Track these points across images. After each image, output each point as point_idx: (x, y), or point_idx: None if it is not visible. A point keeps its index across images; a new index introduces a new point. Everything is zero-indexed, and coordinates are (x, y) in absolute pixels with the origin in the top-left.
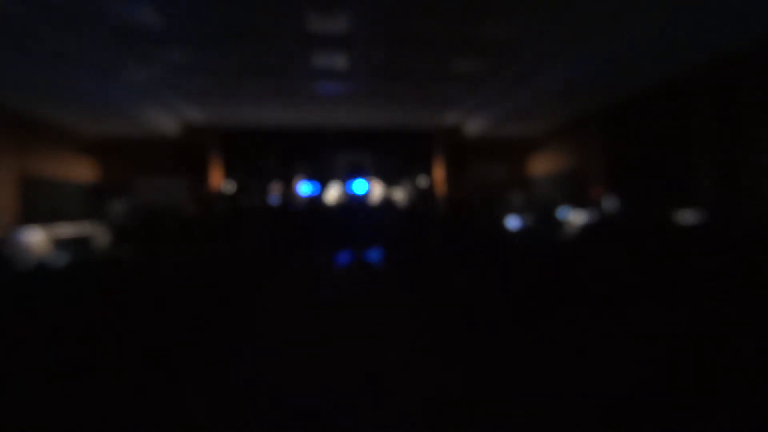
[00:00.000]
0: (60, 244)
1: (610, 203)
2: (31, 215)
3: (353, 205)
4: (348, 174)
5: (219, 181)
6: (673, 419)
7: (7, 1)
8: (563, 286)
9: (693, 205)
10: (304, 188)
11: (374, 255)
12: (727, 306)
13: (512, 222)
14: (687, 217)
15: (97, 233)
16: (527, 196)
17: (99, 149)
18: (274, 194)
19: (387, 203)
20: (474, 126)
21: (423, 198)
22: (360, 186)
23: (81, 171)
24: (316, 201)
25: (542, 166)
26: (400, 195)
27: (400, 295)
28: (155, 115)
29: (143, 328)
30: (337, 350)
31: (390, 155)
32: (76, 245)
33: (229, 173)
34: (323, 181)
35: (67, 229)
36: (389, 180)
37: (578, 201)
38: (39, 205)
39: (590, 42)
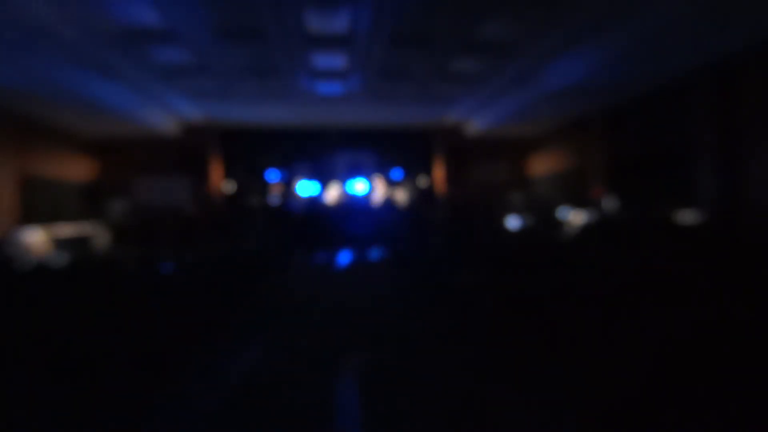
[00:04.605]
0: (60, 244)
1: (610, 203)
2: (31, 215)
3: (353, 204)
4: (348, 174)
5: (219, 181)
6: (673, 420)
7: (6, 1)
8: (563, 286)
9: (693, 205)
10: (304, 188)
11: (375, 254)
12: (727, 306)
13: (512, 222)
14: (687, 217)
15: (97, 233)
16: (527, 196)
17: (98, 149)
18: (274, 194)
19: (387, 203)
20: (474, 126)
21: (423, 198)
22: (360, 186)
23: (81, 171)
24: (316, 201)
25: (542, 166)
26: (400, 195)
27: (400, 295)
28: (155, 115)
29: (142, 328)
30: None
31: (390, 155)
32: (76, 245)
33: (229, 173)
34: (323, 181)
35: (67, 229)
36: (389, 180)
37: (578, 201)
38: (39, 205)
39: (590, 42)
